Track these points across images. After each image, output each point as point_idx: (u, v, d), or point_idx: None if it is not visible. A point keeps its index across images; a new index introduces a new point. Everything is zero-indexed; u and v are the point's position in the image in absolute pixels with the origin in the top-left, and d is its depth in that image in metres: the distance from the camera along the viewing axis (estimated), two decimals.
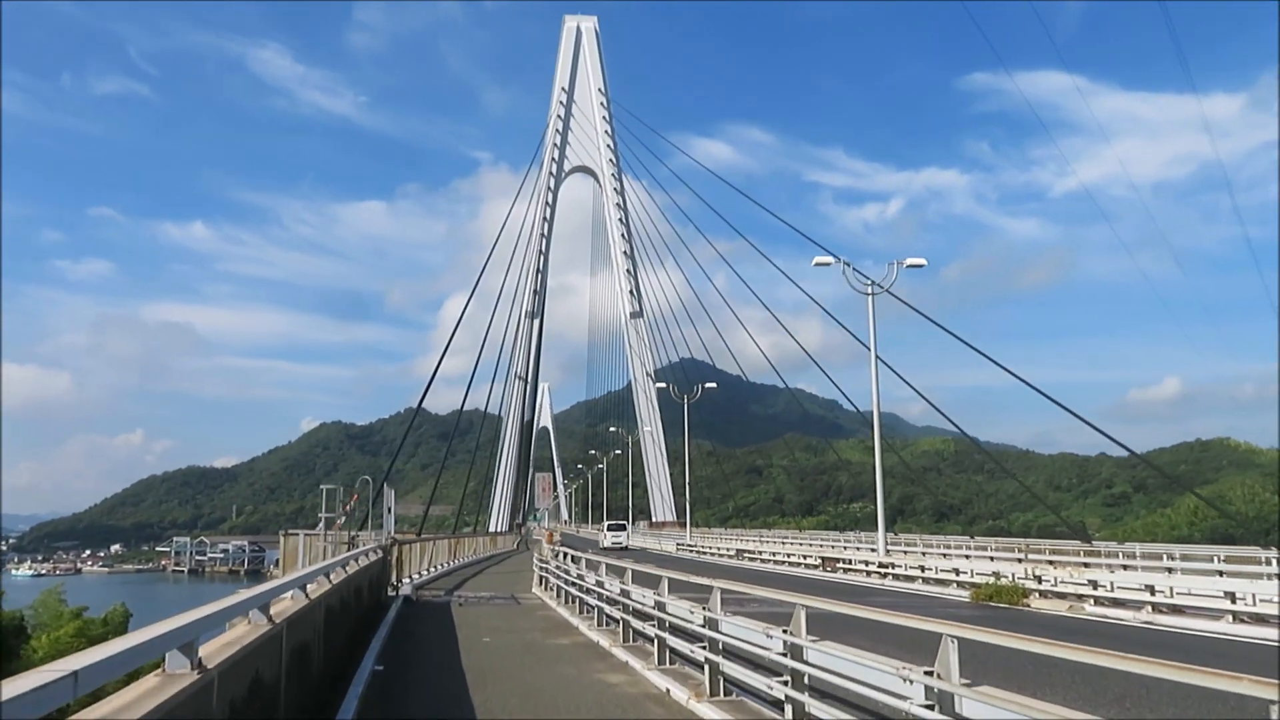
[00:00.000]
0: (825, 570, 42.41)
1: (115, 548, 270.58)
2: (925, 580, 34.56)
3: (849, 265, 39.81)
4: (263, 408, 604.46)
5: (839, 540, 58.88)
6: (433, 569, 37.99)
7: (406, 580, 30.69)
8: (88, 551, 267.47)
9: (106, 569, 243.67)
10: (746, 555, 53.00)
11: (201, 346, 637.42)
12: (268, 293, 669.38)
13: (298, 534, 29.08)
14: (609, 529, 75.39)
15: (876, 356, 40.04)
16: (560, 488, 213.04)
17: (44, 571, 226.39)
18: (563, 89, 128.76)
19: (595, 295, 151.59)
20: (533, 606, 25.66)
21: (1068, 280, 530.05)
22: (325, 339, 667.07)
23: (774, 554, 49.62)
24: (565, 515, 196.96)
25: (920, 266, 39.98)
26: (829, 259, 39.90)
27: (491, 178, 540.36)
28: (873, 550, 47.44)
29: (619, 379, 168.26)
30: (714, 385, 71.85)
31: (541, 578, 30.40)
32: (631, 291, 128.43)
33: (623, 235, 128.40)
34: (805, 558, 45.87)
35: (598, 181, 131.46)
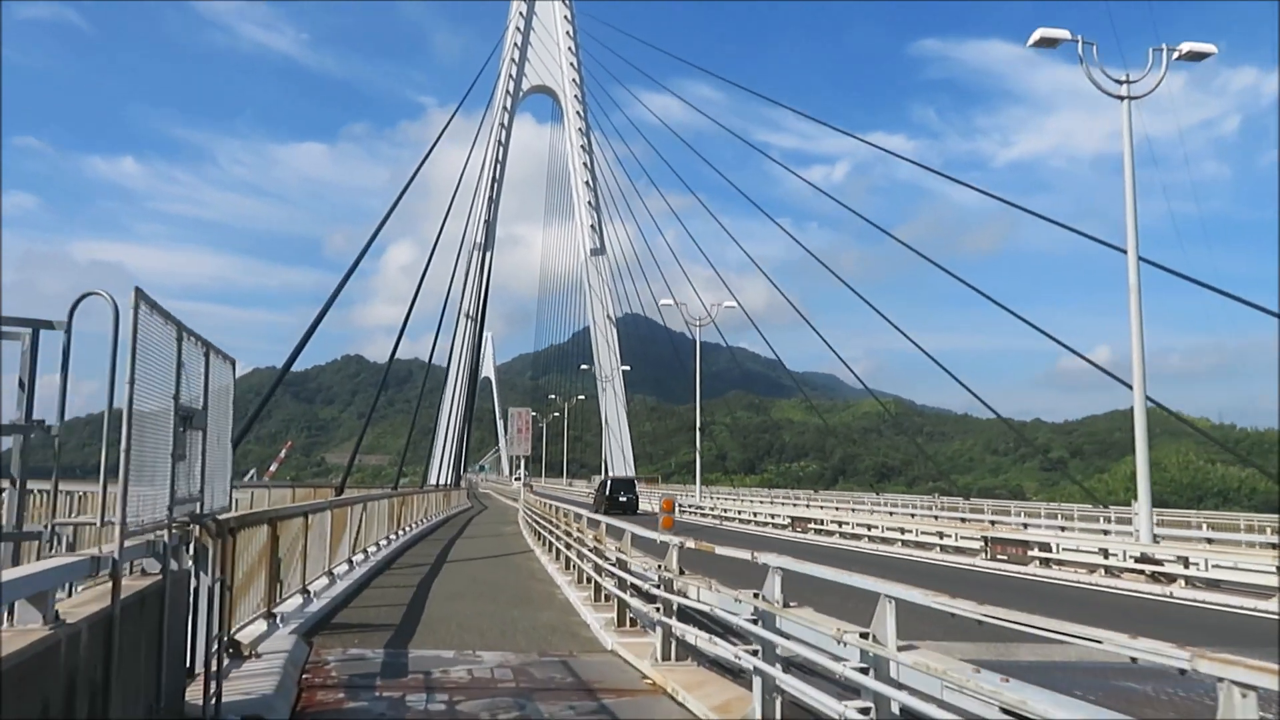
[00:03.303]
0: (995, 559, 24.65)
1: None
2: None
3: (1090, 46, 21.67)
4: None
5: (1002, 511, 38.09)
6: (360, 554, 19.03)
7: (293, 599, 11.98)
8: None
9: None
10: (813, 527, 34.95)
11: (128, 285, 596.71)
12: (202, 234, 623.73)
13: None
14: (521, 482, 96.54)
15: (1132, 193, 22.05)
16: (502, 440, 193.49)
17: None
18: None
19: (548, 240, 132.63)
20: None
21: (1006, 249, 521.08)
22: (261, 283, 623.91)
23: (869, 528, 31.60)
24: (507, 468, 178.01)
25: (1206, 56, 22.06)
26: (1062, 33, 21.65)
27: (442, 120, 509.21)
28: (1065, 530, 29.46)
29: (566, 331, 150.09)
30: (732, 305, 53.53)
31: (620, 602, 11.72)
32: (593, 226, 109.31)
33: (585, 164, 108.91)
34: (941, 536, 27.89)
35: (557, 102, 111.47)
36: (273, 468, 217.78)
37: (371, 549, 20.73)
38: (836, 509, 42.09)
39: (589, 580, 15.26)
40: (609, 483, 47.11)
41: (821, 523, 34.80)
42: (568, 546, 17.93)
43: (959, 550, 26.95)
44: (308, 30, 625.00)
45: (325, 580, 14.78)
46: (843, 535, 32.90)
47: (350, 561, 17.38)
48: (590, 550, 14.12)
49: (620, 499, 44.48)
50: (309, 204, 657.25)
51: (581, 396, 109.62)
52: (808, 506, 43.53)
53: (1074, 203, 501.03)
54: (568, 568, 17.93)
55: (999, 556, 24.65)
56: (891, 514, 40.20)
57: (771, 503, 48.18)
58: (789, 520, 37.07)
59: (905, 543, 29.23)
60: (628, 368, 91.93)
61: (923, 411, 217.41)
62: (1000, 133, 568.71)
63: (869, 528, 31.41)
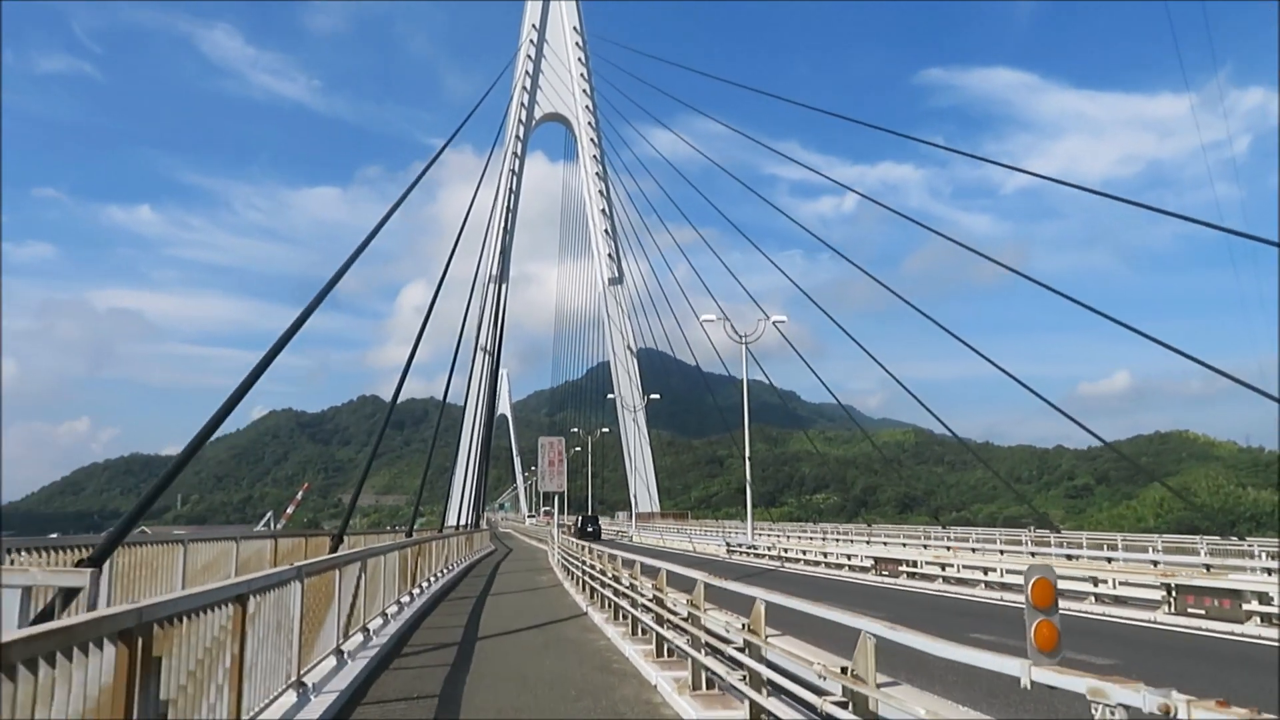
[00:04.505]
0: (1186, 613, 18.53)
1: (52, 536, 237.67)
2: None
3: None
4: (212, 395, 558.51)
5: (1104, 545, 28.55)
6: (359, 634, 13.01)
7: None
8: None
9: None
10: (904, 571, 28.62)
11: (150, 333, 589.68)
12: (217, 279, 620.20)
13: None
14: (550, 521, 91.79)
15: None
16: (519, 478, 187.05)
17: None
18: (533, 26, 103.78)
19: (563, 275, 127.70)
20: None
21: (1016, 276, 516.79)
22: (276, 326, 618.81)
23: (985, 572, 25.30)
24: (525, 507, 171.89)
25: None
26: None
27: (454, 160, 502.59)
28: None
29: (581, 367, 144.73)
30: (784, 318, 47.41)
31: None
32: (610, 255, 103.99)
33: (600, 191, 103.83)
34: (1096, 583, 21.59)
35: (570, 129, 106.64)
36: (290, 510, 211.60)
37: (376, 623, 14.67)
38: (912, 545, 35.78)
39: (710, 683, 9.31)
40: (580, 518, 58.51)
41: (915, 565, 28.56)
42: (659, 621, 11.89)
43: (1118, 600, 20.80)
44: (319, 77, 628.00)
45: (291, 697, 8.75)
46: (946, 580, 26.72)
47: (340, 653, 11.33)
48: (739, 648, 8.08)
49: (588, 530, 55.81)
50: (323, 246, 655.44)
51: (605, 429, 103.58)
52: (882, 544, 37.12)
53: (1083, 227, 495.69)
54: (662, 653, 11.89)
55: (1193, 610, 18.47)
56: (974, 550, 33.81)
57: (823, 537, 41.78)
58: (871, 562, 30.80)
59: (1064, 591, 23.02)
60: (657, 396, 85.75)
61: (943, 440, 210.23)
62: (1008, 159, 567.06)
63: (985, 572, 25.15)
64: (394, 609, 16.78)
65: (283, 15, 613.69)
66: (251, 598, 7.42)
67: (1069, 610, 20.67)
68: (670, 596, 11.59)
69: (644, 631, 13.75)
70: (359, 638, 13.06)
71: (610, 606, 16.53)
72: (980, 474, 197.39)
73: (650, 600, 12.22)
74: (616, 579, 15.81)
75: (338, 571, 11.44)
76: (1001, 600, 23.03)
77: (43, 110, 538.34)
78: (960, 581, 26.31)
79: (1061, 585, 19.45)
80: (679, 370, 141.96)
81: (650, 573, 13.88)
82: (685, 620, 9.85)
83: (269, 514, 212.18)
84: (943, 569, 27.03)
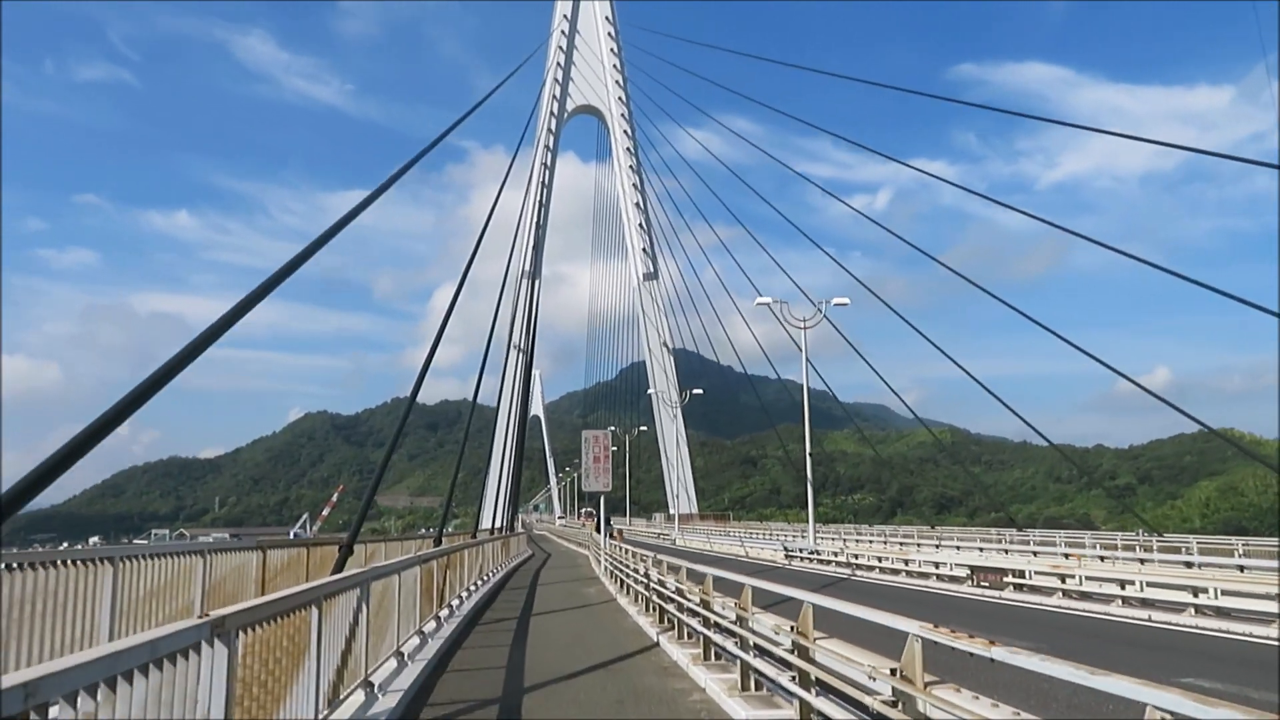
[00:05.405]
0: None
1: (94, 540, 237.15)
2: None
3: None
4: (249, 398, 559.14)
5: (1217, 550, 24.14)
6: (359, 691, 8.91)
7: None
8: (65, 544, 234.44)
9: None
10: (1010, 582, 24.12)
11: (189, 336, 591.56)
12: (254, 282, 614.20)
13: None
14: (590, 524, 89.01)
15: None
16: (553, 479, 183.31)
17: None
18: (564, 17, 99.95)
19: (595, 275, 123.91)
20: None
21: (1056, 272, 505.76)
22: (312, 329, 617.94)
23: (1122, 585, 20.81)
24: (558, 508, 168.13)
25: None
26: None
27: (487, 162, 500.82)
28: None
29: (614, 368, 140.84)
30: (846, 300, 42.43)
31: None
32: (645, 250, 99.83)
33: (634, 185, 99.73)
34: None
35: (604, 123, 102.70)
36: (325, 512, 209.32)
37: (386, 670, 10.55)
38: (990, 549, 31.23)
39: None
40: (596, 519, 58.60)
41: (1023, 575, 24.08)
42: (804, 683, 7.69)
43: None
44: (352, 81, 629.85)
45: None
46: (1066, 594, 22.27)
47: None
48: None
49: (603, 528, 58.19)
50: (357, 250, 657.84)
51: (644, 427, 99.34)
52: (955, 547, 32.46)
53: (1121, 223, 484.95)
54: None
55: None
56: (1065, 556, 29.16)
57: (885, 542, 37.02)
58: (967, 571, 26.32)
59: (1198, 609, 18.50)
60: (699, 391, 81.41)
61: (980, 440, 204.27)
62: (1043, 154, 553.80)
63: (1122, 584, 20.64)
64: (414, 643, 12.67)
65: (315, 20, 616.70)
66: (57, 709, 3.30)
67: (1250, 637, 16.27)
68: (821, 646, 7.38)
69: (759, 685, 9.57)
70: (358, 697, 8.94)
71: (698, 639, 12.33)
72: (1018, 473, 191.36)
73: (789, 650, 7.98)
74: (707, 604, 11.59)
75: (315, 609, 7.31)
76: (1150, 620, 18.60)
77: (83, 118, 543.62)
78: (1083, 595, 21.89)
79: (1231, 604, 14.88)
80: (712, 371, 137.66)
81: (782, 604, 9.68)
82: (892, 704, 5.62)
83: (305, 516, 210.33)
84: (1062, 580, 22.57)
